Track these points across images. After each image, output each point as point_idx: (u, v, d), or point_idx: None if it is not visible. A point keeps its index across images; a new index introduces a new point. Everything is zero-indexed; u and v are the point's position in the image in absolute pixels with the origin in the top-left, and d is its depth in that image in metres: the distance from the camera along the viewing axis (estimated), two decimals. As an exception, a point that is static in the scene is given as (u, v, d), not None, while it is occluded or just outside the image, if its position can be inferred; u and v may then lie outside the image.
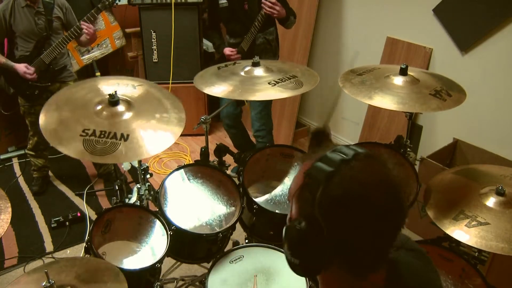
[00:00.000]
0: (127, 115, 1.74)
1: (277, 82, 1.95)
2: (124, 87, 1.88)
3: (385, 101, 1.79)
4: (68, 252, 2.70)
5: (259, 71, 2.07)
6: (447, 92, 1.85)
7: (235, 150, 2.18)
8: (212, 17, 3.09)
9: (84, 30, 2.78)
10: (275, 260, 1.76)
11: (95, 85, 1.90)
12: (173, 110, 1.82)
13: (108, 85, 1.88)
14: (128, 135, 1.64)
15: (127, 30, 4.08)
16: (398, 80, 1.90)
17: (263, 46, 2.92)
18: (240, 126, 3.27)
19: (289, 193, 0.88)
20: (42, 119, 1.69)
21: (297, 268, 0.84)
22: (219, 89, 1.96)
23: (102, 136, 1.62)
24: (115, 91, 1.76)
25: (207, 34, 3.13)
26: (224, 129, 3.37)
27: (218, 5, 2.91)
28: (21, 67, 2.79)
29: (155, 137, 1.69)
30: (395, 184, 0.80)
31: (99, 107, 1.74)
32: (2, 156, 3.70)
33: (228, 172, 2.16)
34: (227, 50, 2.89)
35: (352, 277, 0.83)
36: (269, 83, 1.94)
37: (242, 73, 2.08)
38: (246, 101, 2.92)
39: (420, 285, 0.92)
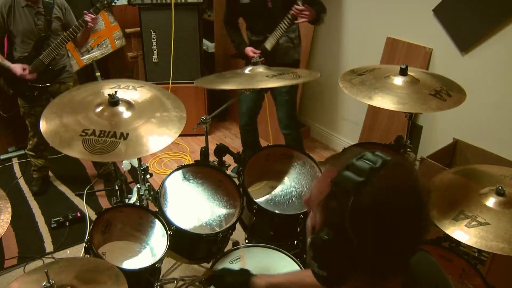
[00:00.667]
0: (127, 115, 1.74)
1: (276, 75, 1.96)
2: (124, 89, 1.88)
3: (385, 101, 1.79)
4: (68, 252, 2.70)
5: (259, 69, 2.06)
6: (447, 92, 1.85)
7: (235, 150, 2.18)
8: (231, 13, 2.99)
9: (88, 20, 2.75)
10: (275, 260, 1.76)
11: (96, 87, 1.91)
12: (174, 110, 1.82)
13: (109, 88, 1.88)
14: (127, 134, 1.64)
15: (127, 30, 4.08)
16: (398, 80, 1.90)
17: (286, 45, 2.86)
18: (255, 124, 3.26)
19: (311, 200, 0.86)
20: (43, 123, 1.69)
21: (324, 280, 0.82)
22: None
23: (101, 135, 1.62)
24: (115, 91, 1.76)
25: (225, 29, 3.05)
26: (239, 125, 3.32)
27: (239, 2, 2.83)
28: (17, 68, 2.78)
29: (155, 135, 1.69)
30: (423, 193, 0.80)
31: (99, 109, 1.74)
32: (2, 156, 3.71)
33: (228, 172, 2.16)
34: (250, 51, 2.82)
35: (374, 283, 0.82)
36: (266, 76, 1.95)
37: (246, 71, 2.07)
38: (266, 92, 2.89)
39: (436, 285, 0.93)
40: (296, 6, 2.58)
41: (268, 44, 2.75)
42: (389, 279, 0.83)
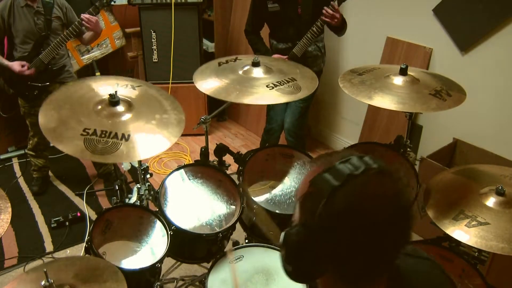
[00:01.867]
0: (127, 116, 1.73)
1: (275, 86, 1.91)
2: (123, 88, 1.87)
3: (385, 101, 1.79)
4: (68, 252, 2.70)
5: (258, 72, 2.03)
6: (447, 92, 1.85)
7: (235, 150, 2.18)
8: (257, 21, 2.92)
9: (84, 22, 2.73)
10: (275, 260, 1.75)
11: (94, 84, 1.90)
12: (173, 111, 1.82)
13: (107, 85, 1.88)
14: (129, 135, 1.64)
15: (127, 30, 4.08)
16: (398, 80, 1.90)
17: (315, 53, 2.85)
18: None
19: (296, 195, 0.87)
20: (41, 119, 1.68)
21: (289, 273, 0.84)
22: (214, 88, 1.93)
23: (103, 135, 1.61)
24: (116, 91, 1.76)
25: (247, 39, 2.99)
26: (265, 131, 3.22)
27: (267, 9, 2.77)
28: (16, 65, 2.78)
29: (156, 137, 1.69)
30: (404, 204, 0.78)
31: (99, 107, 1.73)
32: (2, 156, 3.70)
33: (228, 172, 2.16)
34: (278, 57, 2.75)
35: (347, 285, 0.82)
36: (267, 86, 1.91)
37: (241, 72, 2.03)
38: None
39: None
40: (332, 3, 2.50)
41: (298, 50, 2.69)
42: (365, 284, 0.82)
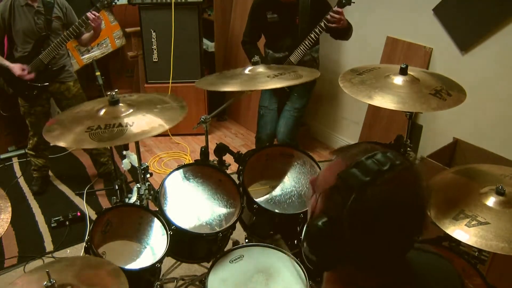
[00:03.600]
0: (129, 111, 1.76)
1: (277, 76, 1.97)
2: (120, 97, 1.89)
3: (385, 101, 1.79)
4: (68, 252, 2.70)
5: (259, 68, 2.08)
6: (447, 92, 1.85)
7: (235, 150, 2.18)
8: (255, 31, 2.97)
9: (90, 20, 2.75)
10: (275, 260, 1.76)
11: (90, 104, 1.94)
12: (174, 102, 1.87)
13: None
14: (133, 122, 1.68)
15: (127, 30, 4.09)
16: (398, 80, 1.90)
17: (310, 63, 2.88)
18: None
19: (316, 184, 0.88)
20: (50, 139, 1.69)
21: (313, 263, 0.86)
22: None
23: (107, 127, 1.65)
24: (115, 91, 1.77)
25: (244, 48, 3.03)
26: (257, 138, 3.22)
27: (266, 19, 2.81)
28: (17, 68, 2.78)
29: (161, 118, 1.72)
30: (424, 200, 0.82)
31: (101, 112, 1.76)
32: (2, 156, 3.71)
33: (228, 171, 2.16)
34: None
35: (362, 276, 0.85)
36: (268, 76, 1.96)
37: (245, 72, 2.07)
38: (287, 88, 2.89)
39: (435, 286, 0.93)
40: (334, 9, 2.58)
41: (295, 58, 2.73)
42: (378, 273, 0.85)
